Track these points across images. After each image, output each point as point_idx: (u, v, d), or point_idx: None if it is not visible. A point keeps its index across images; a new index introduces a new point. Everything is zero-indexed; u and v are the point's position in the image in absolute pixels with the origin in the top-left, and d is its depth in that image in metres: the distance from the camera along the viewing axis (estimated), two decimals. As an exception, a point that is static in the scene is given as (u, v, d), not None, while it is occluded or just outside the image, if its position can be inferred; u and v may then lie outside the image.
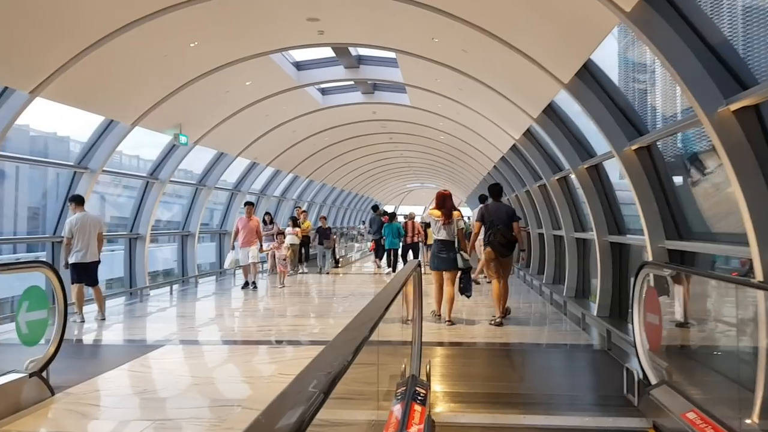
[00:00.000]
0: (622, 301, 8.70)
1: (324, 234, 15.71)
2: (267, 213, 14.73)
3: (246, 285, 12.09)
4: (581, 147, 9.00)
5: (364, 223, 24.62)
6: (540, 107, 8.90)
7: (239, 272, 13.35)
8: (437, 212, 7.96)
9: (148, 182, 12.06)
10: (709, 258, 6.30)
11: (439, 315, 8.22)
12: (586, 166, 8.82)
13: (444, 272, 7.98)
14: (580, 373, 6.13)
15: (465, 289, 8.07)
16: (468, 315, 8.81)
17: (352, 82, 13.49)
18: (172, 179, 12.33)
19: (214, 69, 9.46)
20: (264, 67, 10.38)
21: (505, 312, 8.20)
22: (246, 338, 7.57)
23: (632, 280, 9.10)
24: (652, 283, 4.84)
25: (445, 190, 8.21)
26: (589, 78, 6.94)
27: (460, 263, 7.80)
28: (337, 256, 18.10)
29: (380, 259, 16.93)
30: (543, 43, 6.90)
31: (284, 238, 13.27)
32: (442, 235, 7.92)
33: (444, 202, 7.97)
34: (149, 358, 6.25)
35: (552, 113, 9.13)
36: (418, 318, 4.93)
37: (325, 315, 9.64)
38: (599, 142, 8.68)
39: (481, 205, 8.50)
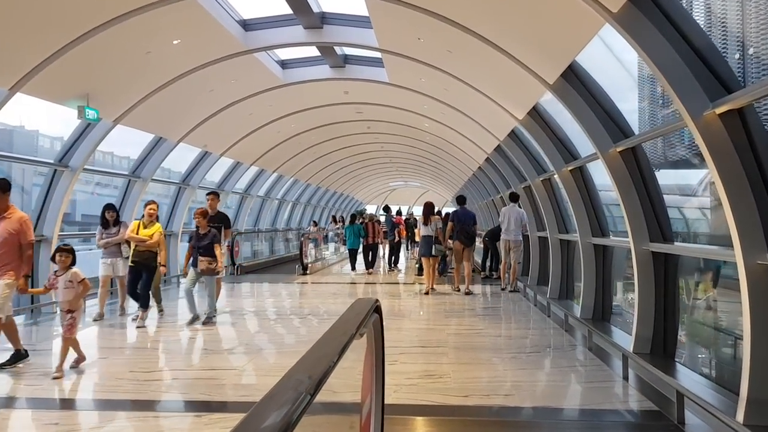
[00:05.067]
0: (668, 332, 6.40)
1: (203, 245, 8.07)
2: (108, 206, 8.81)
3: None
4: (614, 124, 6.67)
5: (316, 223, 22.01)
6: (560, 66, 6.55)
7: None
8: (422, 217, 11.37)
9: (55, 170, 9.56)
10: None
11: (427, 291, 11.36)
12: (619, 149, 6.49)
13: (429, 258, 11.36)
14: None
15: (442, 271, 12.63)
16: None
17: (318, 54, 11.08)
18: (87, 167, 9.83)
19: (120, 16, 6.99)
20: (195, 22, 7.96)
21: (468, 291, 11.25)
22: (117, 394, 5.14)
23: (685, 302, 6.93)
24: None
25: (428, 202, 11.60)
26: (646, 7, 4.61)
27: (434, 251, 11.22)
28: (305, 262, 15.68)
29: (396, 262, 17.41)
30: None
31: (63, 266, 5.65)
32: (424, 231, 11.29)
33: (424, 211, 11.33)
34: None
35: (575, 79, 6.78)
36: (374, 410, 2.56)
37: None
38: (639, 117, 6.43)
39: (452, 210, 11.84)
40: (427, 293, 11.16)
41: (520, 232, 11.34)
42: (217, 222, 8.84)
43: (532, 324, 8.51)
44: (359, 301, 2.40)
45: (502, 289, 11.73)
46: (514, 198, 11.78)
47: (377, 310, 2.48)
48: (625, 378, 5.41)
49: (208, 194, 9.47)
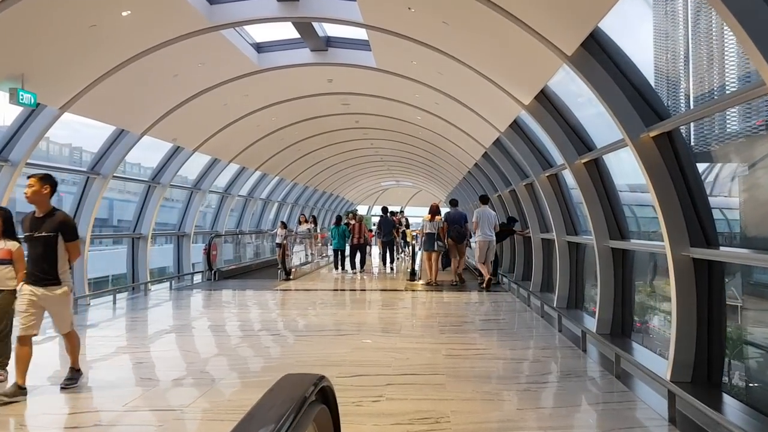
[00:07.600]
0: (713, 356, 5.26)
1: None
2: None
3: None
4: (646, 104, 5.52)
5: (285, 224, 20.45)
6: (582, 33, 5.36)
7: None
8: (428, 216, 12.74)
9: (-8, 166, 8.31)
10: None
11: (429, 281, 12.68)
12: (653, 134, 5.33)
13: (432, 252, 12.66)
14: None
15: (444, 264, 14.21)
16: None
17: (297, 35, 9.89)
18: (30, 161, 8.58)
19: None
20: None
21: (461, 279, 12.87)
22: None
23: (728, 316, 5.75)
24: None
25: (434, 203, 13.11)
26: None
27: (437, 246, 12.59)
28: (288, 267, 14.45)
29: (391, 261, 17.23)
30: None
31: None
32: (429, 229, 12.55)
33: (431, 210, 12.74)
34: None
35: (598, 49, 5.60)
36: None
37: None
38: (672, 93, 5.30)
39: (447, 211, 13.64)
40: (429, 284, 12.59)
41: (493, 232, 12.26)
42: (50, 230, 4.83)
43: (541, 341, 7.35)
44: (285, 380, 1.22)
45: (480, 284, 12.39)
46: (485, 200, 12.70)
47: (323, 393, 1.29)
48: (672, 421, 4.25)
49: (29, 177, 4.92)
